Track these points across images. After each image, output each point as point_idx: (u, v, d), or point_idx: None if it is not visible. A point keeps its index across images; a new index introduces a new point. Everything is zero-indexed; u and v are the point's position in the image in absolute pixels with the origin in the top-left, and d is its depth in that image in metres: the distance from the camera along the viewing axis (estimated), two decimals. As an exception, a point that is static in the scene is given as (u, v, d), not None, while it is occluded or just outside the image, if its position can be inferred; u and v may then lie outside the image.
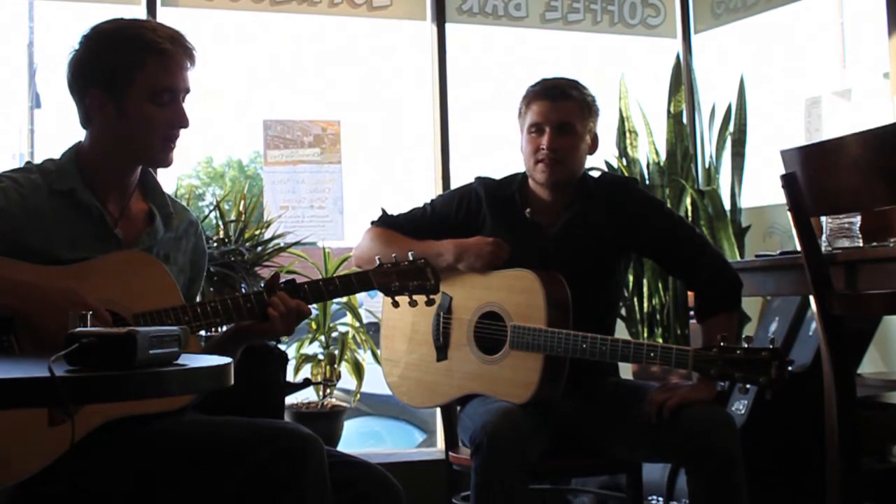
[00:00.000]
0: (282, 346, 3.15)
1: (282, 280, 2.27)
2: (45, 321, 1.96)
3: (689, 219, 4.49)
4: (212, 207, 4.10)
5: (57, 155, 2.28)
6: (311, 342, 4.21)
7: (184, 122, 2.21)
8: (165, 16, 4.21)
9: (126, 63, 2.14)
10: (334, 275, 4.14)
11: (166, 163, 2.24)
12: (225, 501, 1.95)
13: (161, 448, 2.03)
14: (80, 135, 2.26)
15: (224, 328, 2.32)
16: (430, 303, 2.45)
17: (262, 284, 2.28)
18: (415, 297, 2.42)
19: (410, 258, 2.42)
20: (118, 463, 2.02)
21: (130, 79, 2.14)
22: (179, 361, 1.40)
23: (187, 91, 2.22)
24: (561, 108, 2.86)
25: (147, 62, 2.13)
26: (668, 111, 4.75)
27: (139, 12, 4.13)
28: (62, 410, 1.75)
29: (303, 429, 2.02)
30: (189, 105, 2.23)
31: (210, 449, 2.00)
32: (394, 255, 2.43)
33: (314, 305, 4.08)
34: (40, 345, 1.97)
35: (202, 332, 2.29)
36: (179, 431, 2.08)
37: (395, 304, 2.44)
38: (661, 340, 4.44)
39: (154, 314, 2.11)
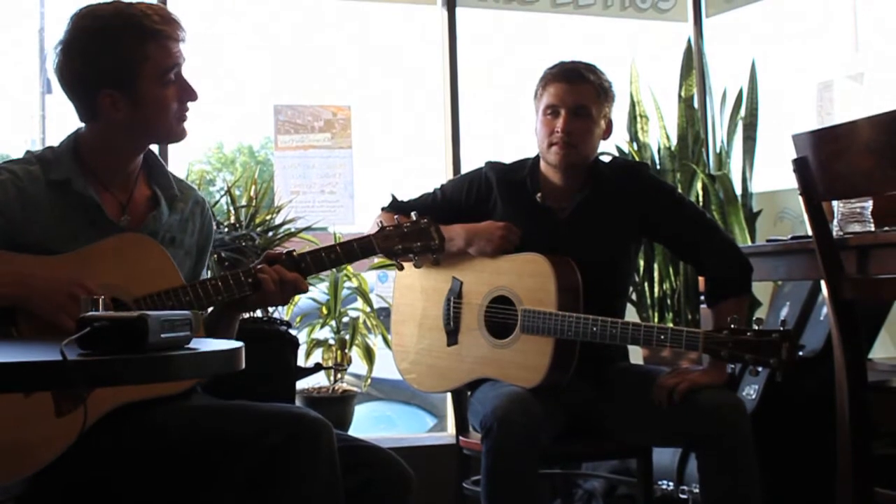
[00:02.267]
0: (293, 331, 3.15)
1: (284, 252, 2.26)
2: (46, 310, 1.97)
3: (700, 203, 4.48)
4: (223, 193, 4.10)
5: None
6: (322, 327, 4.22)
7: (193, 95, 2.21)
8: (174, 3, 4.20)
9: (131, 56, 2.12)
10: (349, 271, 4.18)
11: (182, 136, 2.25)
12: (236, 486, 1.96)
13: (172, 433, 2.03)
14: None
15: None
16: (436, 261, 2.40)
17: (262, 257, 2.26)
18: (419, 257, 2.37)
19: (413, 217, 2.37)
20: (129, 448, 2.02)
21: (139, 70, 2.13)
22: (191, 345, 1.40)
23: (183, 63, 2.21)
24: (577, 92, 2.85)
25: (149, 49, 2.13)
26: (680, 95, 4.74)
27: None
28: (74, 394, 1.77)
29: (313, 413, 2.02)
30: (190, 76, 2.23)
31: (221, 433, 2.00)
32: (396, 216, 2.40)
33: (324, 290, 4.11)
34: (42, 334, 1.98)
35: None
36: (190, 416, 2.09)
37: (400, 267, 2.42)
38: (671, 325, 4.44)
39: (155, 297, 2.10)
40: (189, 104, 2.22)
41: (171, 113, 2.19)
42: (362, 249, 2.33)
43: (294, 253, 2.26)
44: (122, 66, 2.12)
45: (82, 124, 2.25)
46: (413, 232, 2.35)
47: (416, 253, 2.35)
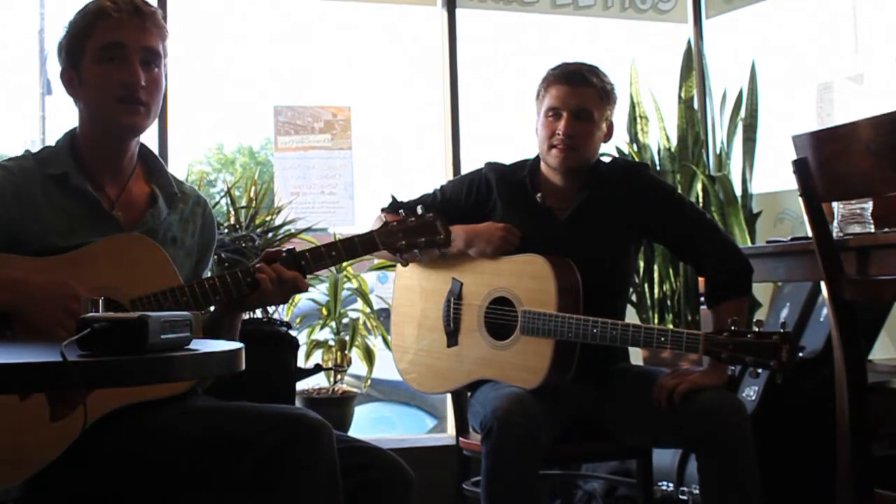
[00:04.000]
0: (293, 332, 3.16)
1: (284, 250, 2.24)
2: (40, 315, 1.95)
3: (700, 204, 4.48)
4: (223, 194, 4.10)
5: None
6: (321, 328, 4.22)
7: (133, 78, 2.14)
8: (174, 1, 4.21)
9: (80, 32, 2.16)
10: (349, 273, 4.18)
11: (130, 127, 2.19)
12: (236, 487, 1.95)
13: (171, 434, 2.03)
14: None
15: None
16: (442, 255, 2.37)
17: (261, 255, 2.24)
18: (423, 252, 2.32)
19: (419, 212, 2.33)
20: (129, 450, 2.02)
21: (83, 46, 2.16)
22: (191, 346, 1.40)
23: (150, 52, 2.17)
24: (580, 94, 2.85)
25: (92, 27, 2.15)
26: (679, 97, 4.74)
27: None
28: (70, 398, 1.76)
29: (313, 414, 2.02)
30: (166, 69, 2.21)
31: (221, 434, 2.00)
32: (400, 211, 2.36)
33: (324, 291, 4.10)
34: (37, 335, 1.96)
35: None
36: (190, 417, 2.08)
37: (404, 263, 2.40)
38: (671, 326, 4.44)
39: (151, 298, 2.09)
40: (139, 91, 2.15)
41: (108, 93, 2.15)
42: (364, 245, 2.28)
43: (294, 251, 2.24)
44: (74, 42, 2.18)
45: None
46: (418, 226, 2.31)
47: (420, 248, 2.30)
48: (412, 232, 2.30)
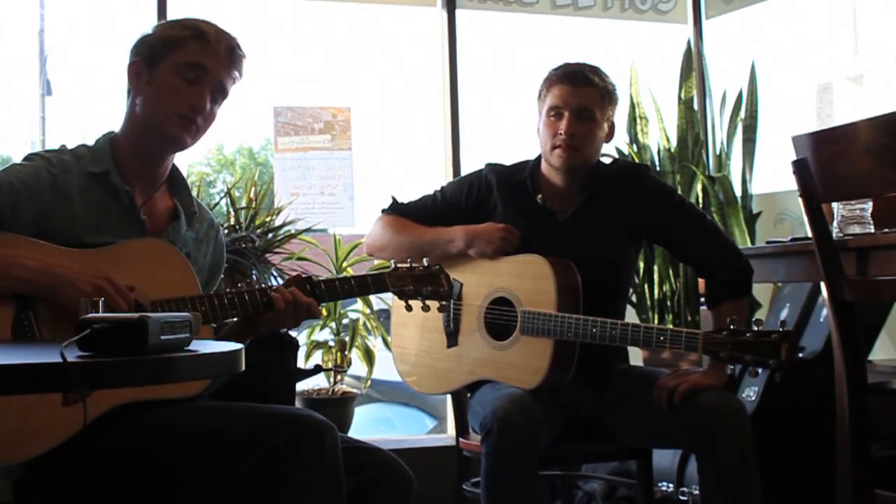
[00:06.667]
0: (292, 333, 3.15)
1: (302, 275, 2.34)
2: (68, 301, 1.98)
3: (700, 205, 4.48)
4: (222, 194, 4.11)
5: (71, 143, 2.31)
6: (321, 329, 4.22)
7: (202, 103, 2.23)
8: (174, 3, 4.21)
9: (169, 39, 2.23)
10: (349, 274, 4.17)
11: (178, 140, 2.25)
12: (238, 487, 1.96)
13: (174, 434, 2.04)
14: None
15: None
16: (442, 309, 2.51)
17: (283, 282, 2.33)
18: (428, 301, 2.47)
19: (426, 263, 2.46)
20: (131, 448, 2.03)
21: (167, 53, 2.22)
22: (190, 347, 1.40)
23: (220, 85, 2.26)
24: (582, 94, 2.85)
25: (186, 42, 2.22)
26: (679, 97, 4.74)
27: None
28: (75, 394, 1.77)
29: (317, 415, 2.03)
30: (222, 109, 2.29)
31: (223, 434, 2.01)
32: (409, 259, 2.47)
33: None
34: (59, 323, 2.00)
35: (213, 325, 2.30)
36: (192, 417, 2.09)
37: (409, 308, 2.47)
38: (671, 327, 4.44)
39: (172, 302, 2.14)
40: (198, 114, 2.23)
41: (172, 106, 2.21)
42: (375, 285, 2.42)
43: (311, 278, 2.32)
44: (160, 45, 2.23)
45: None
46: (424, 276, 2.45)
47: (425, 297, 2.45)
48: (419, 280, 2.45)
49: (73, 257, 2.08)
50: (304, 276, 2.34)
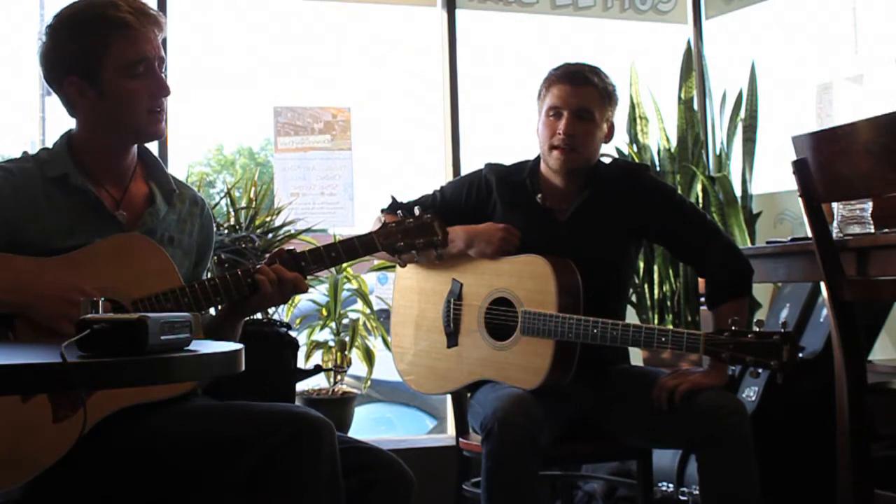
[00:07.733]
0: (293, 333, 3.15)
1: (285, 250, 2.24)
2: (46, 317, 1.97)
3: (700, 205, 4.48)
4: (222, 194, 4.11)
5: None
6: (321, 329, 4.22)
7: (164, 91, 2.19)
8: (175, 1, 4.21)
9: (92, 44, 2.13)
10: (349, 273, 4.18)
11: (157, 135, 2.23)
12: (237, 486, 1.96)
13: (173, 434, 2.03)
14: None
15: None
16: (439, 257, 2.38)
17: (266, 258, 2.24)
18: (421, 253, 2.33)
19: (416, 213, 2.34)
20: (130, 451, 2.02)
21: (99, 59, 2.13)
22: (190, 347, 1.40)
23: (161, 60, 2.20)
24: (581, 94, 2.85)
25: (112, 40, 2.13)
26: (679, 97, 4.74)
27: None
28: (72, 398, 1.76)
29: (315, 413, 2.02)
30: (170, 74, 2.23)
31: (222, 434, 2.00)
32: (399, 212, 2.37)
33: (324, 291, 4.10)
34: (39, 336, 1.98)
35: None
36: (191, 417, 2.09)
37: (402, 264, 2.40)
38: (671, 327, 4.43)
39: (153, 298, 2.09)
40: (163, 101, 2.20)
41: (138, 107, 2.17)
42: (363, 246, 2.29)
43: (294, 251, 2.24)
44: (84, 53, 2.13)
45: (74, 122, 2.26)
46: (416, 227, 2.32)
47: (418, 249, 2.32)
48: (410, 233, 2.31)
49: (43, 268, 2.05)
50: (287, 250, 2.24)
